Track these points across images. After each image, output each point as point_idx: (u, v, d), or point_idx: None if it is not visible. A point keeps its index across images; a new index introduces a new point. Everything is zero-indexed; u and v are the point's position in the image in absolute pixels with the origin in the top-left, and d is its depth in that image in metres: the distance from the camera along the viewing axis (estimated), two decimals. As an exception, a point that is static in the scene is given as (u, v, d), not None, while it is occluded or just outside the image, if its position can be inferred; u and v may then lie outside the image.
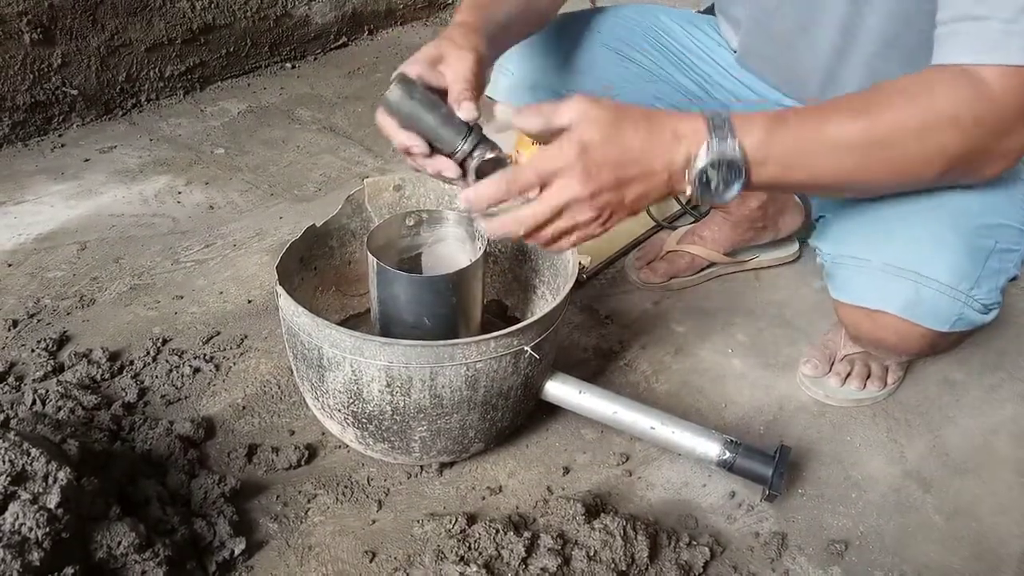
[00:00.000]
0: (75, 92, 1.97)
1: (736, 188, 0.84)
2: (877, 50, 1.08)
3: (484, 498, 1.16)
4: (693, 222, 1.69)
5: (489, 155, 0.93)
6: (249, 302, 1.50)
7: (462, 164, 0.94)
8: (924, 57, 0.88)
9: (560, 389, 1.16)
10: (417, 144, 0.94)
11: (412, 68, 0.95)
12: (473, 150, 0.93)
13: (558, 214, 0.84)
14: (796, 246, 1.63)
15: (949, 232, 0.96)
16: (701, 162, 0.82)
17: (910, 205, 0.99)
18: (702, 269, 1.57)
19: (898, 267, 0.98)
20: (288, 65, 2.36)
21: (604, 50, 1.30)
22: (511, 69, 1.30)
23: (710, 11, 1.39)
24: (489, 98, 1.35)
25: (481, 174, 0.92)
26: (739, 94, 1.30)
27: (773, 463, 1.09)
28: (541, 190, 0.84)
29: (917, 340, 1.03)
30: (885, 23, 1.05)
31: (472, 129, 0.94)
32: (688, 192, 0.84)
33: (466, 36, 1.00)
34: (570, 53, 1.30)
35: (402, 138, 0.94)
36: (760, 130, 0.83)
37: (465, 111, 0.93)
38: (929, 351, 1.05)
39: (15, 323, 1.41)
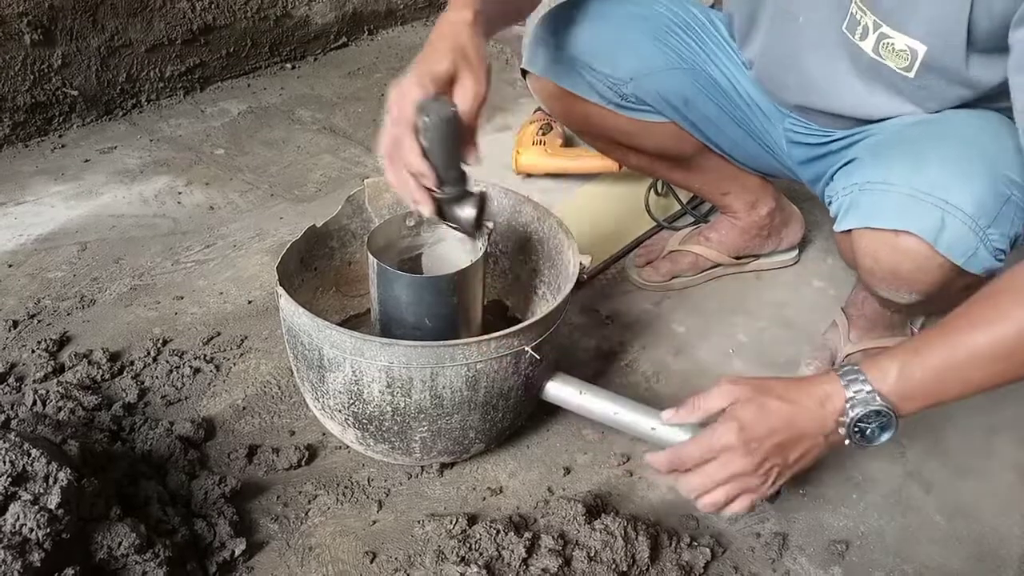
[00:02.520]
0: (75, 93, 1.97)
1: (891, 431, 0.91)
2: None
3: (485, 499, 1.16)
4: (694, 222, 1.70)
5: (470, 210, 1.04)
6: (249, 303, 1.50)
7: (438, 202, 1.02)
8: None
9: (561, 390, 1.15)
10: (431, 179, 1.00)
11: (428, 85, 0.98)
12: (457, 198, 1.03)
13: (725, 482, 0.94)
14: (796, 251, 1.63)
15: (978, 168, 1.00)
16: (850, 419, 0.90)
17: (941, 143, 1.04)
18: (704, 270, 1.57)
19: (926, 192, 1.00)
20: (288, 65, 2.35)
21: (643, 34, 1.30)
22: (551, 41, 1.30)
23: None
24: (523, 71, 1.36)
25: (452, 217, 1.05)
26: (759, 100, 1.30)
27: (774, 464, 1.10)
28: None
29: (934, 271, 1.04)
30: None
31: (464, 175, 1.02)
32: (847, 443, 0.92)
33: (479, 48, 1.03)
34: (609, 30, 1.29)
35: (422, 167, 0.99)
36: (895, 373, 0.89)
37: (472, 159, 1.01)
38: (938, 289, 1.07)
39: (15, 323, 1.41)
